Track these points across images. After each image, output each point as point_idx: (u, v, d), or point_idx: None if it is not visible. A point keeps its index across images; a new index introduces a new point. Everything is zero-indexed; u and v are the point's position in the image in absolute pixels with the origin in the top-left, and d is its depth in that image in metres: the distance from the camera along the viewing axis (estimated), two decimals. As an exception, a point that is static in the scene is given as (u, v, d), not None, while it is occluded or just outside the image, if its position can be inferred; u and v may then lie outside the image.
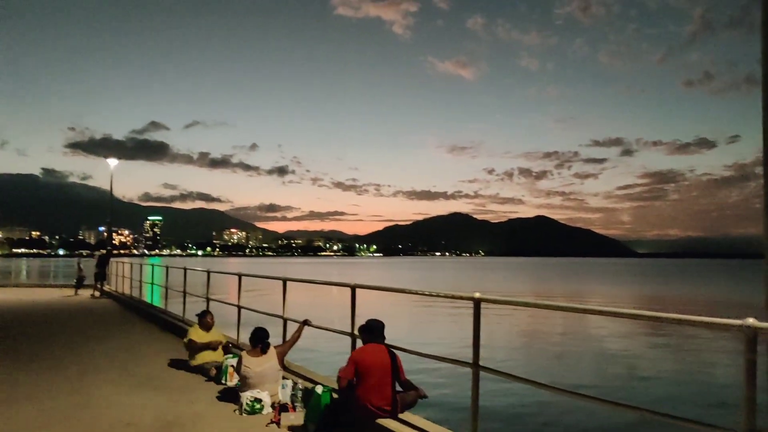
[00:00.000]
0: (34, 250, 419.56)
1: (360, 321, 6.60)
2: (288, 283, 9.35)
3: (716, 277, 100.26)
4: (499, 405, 11.60)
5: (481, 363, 5.04)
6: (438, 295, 6.15)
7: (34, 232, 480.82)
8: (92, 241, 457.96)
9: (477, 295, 5.12)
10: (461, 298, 5.49)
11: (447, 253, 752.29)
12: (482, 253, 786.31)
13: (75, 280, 28.34)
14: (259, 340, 7.44)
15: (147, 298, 21.79)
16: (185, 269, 15.41)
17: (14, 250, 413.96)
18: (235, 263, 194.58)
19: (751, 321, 2.99)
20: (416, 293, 6.65)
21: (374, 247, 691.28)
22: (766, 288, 2.81)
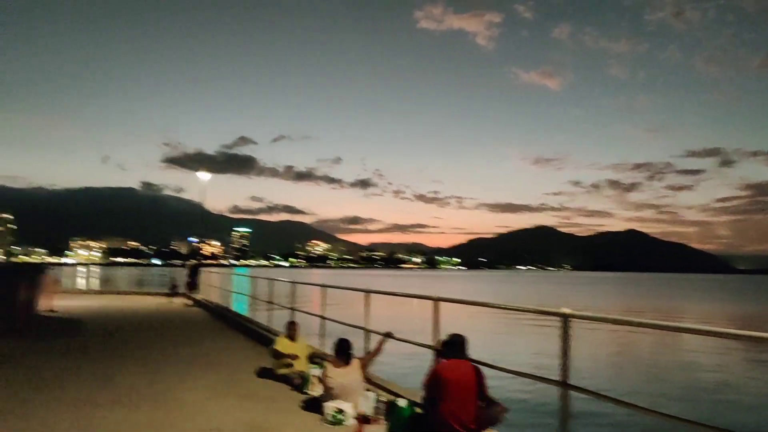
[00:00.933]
0: (131, 260, 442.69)
1: (442, 334, 6.53)
2: (370, 295, 9.39)
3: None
4: (587, 425, 11.18)
5: (569, 382, 4.86)
6: (524, 310, 6.00)
7: (131, 242, 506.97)
8: (184, 251, 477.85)
9: (565, 310, 4.95)
10: (548, 313, 5.32)
11: (531, 267, 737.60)
12: (568, 268, 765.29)
13: (169, 289, 29.64)
14: (343, 351, 7.50)
15: (234, 307, 22.48)
16: (271, 280, 15.79)
17: (113, 259, 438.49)
18: (318, 274, 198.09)
19: None
20: (501, 307, 6.51)
21: (456, 260, 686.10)
22: None
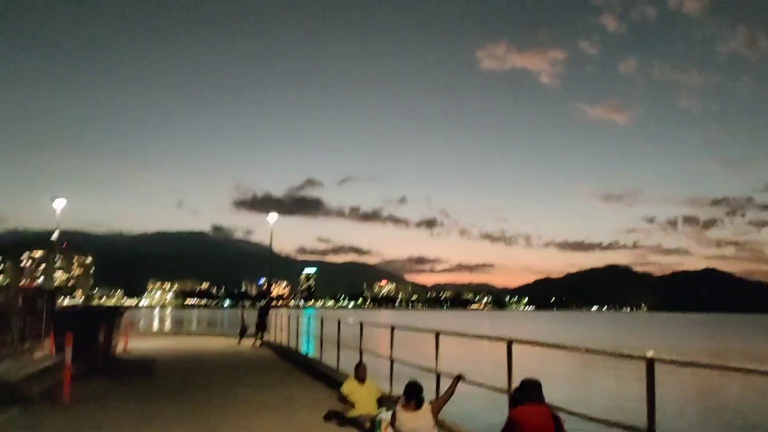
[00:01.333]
0: (204, 301, 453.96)
1: (516, 377, 6.27)
2: (440, 336, 9.18)
3: None
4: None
5: (656, 430, 4.54)
6: (604, 353, 5.69)
7: (203, 284, 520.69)
8: (254, 292, 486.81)
9: (650, 354, 4.66)
10: (631, 357, 5.02)
11: (605, 308, 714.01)
12: (645, 308, 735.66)
13: (239, 330, 30.02)
14: (414, 394, 7.29)
15: (303, 349, 22.52)
16: (339, 321, 15.77)
17: (187, 301, 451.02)
18: (385, 315, 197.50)
19: None
20: (578, 350, 6.21)
21: (525, 300, 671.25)
22: None
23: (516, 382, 6.23)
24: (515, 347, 7.06)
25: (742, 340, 68.18)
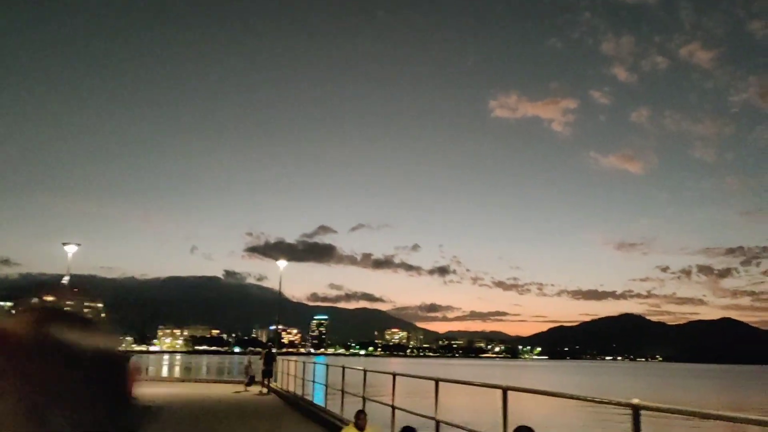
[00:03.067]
0: (214, 348, 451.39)
1: (511, 425, 6.33)
2: (441, 384, 9.25)
3: None
4: None
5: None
6: (593, 401, 5.77)
7: (213, 330, 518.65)
8: (264, 339, 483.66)
9: (635, 401, 4.75)
10: (617, 404, 5.11)
11: (619, 358, 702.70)
12: (659, 359, 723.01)
13: (245, 377, 29.94)
14: (410, 441, 7.36)
15: (312, 396, 22.42)
16: (343, 368, 15.80)
17: (196, 347, 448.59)
18: (396, 363, 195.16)
19: None
20: (570, 397, 6.29)
21: (538, 349, 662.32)
22: None
23: (511, 429, 6.30)
24: (513, 395, 7.12)
25: (761, 393, 66.68)
